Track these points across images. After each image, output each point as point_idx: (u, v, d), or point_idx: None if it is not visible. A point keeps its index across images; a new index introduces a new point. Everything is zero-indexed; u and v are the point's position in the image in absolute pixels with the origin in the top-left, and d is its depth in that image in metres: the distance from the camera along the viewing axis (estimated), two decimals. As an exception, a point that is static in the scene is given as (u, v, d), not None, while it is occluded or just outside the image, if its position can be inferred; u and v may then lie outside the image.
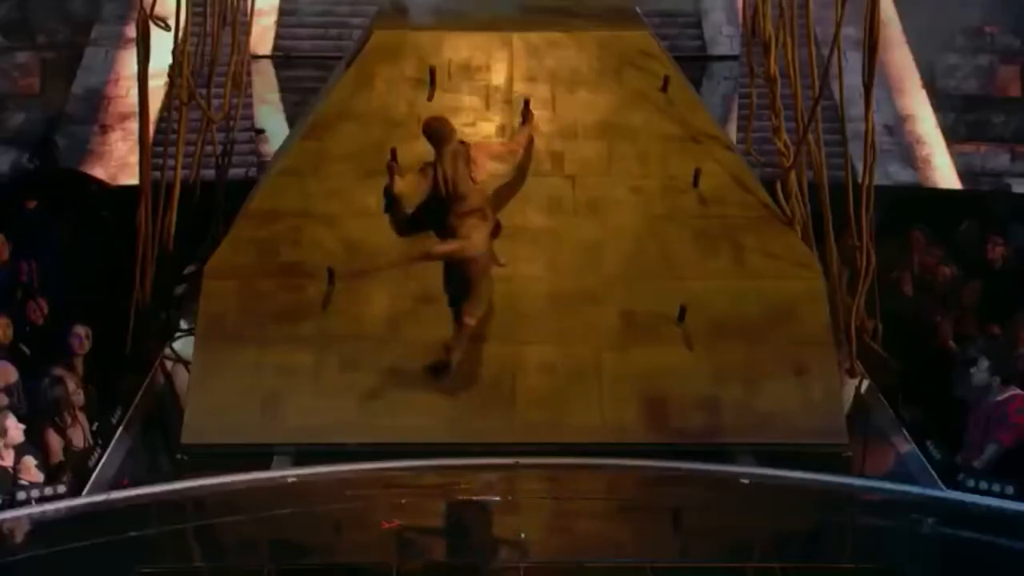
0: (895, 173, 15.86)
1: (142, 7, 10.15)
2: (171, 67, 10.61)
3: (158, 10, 10.28)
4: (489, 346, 9.36)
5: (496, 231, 9.20)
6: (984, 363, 8.78)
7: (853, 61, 10.15)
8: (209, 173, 12.10)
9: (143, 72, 10.27)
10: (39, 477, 8.28)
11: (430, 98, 10.45)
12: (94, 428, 9.03)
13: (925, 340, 10.18)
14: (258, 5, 13.52)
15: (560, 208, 9.94)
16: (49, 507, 8.09)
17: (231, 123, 12.49)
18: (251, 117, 15.32)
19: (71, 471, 8.47)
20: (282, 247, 9.75)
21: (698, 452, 8.95)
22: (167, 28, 10.35)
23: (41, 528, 7.99)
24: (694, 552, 8.10)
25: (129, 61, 15.58)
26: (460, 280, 9.11)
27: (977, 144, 17.18)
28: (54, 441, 8.63)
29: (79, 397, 8.91)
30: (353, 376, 9.28)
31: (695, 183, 9.94)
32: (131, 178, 12.52)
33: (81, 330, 9.53)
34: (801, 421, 9.22)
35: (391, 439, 9.03)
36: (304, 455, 8.94)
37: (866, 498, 8.78)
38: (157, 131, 11.94)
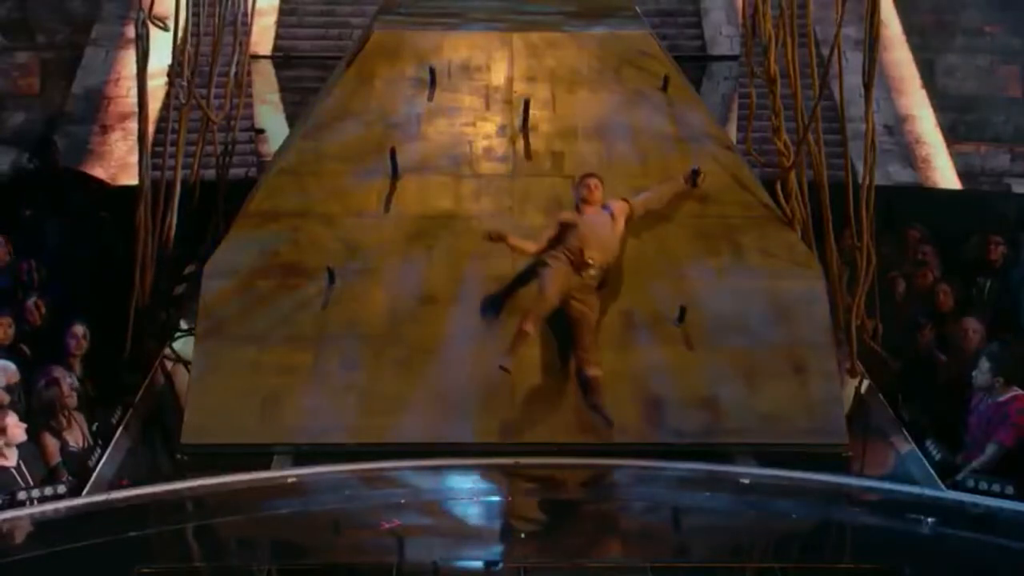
0: (895, 173, 15.85)
1: (140, 7, 10.15)
2: (170, 67, 10.62)
3: (158, 10, 10.28)
4: (489, 346, 9.34)
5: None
6: (986, 364, 8.77)
7: (853, 61, 10.18)
8: (209, 173, 12.11)
9: (142, 72, 10.27)
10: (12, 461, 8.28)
11: (430, 98, 10.47)
12: (94, 428, 9.03)
13: (913, 341, 10.20)
14: (258, 5, 13.54)
15: (560, 208, 9.92)
16: (49, 507, 8.09)
17: (231, 123, 12.50)
18: (251, 117, 15.32)
19: (69, 472, 8.47)
20: (281, 247, 9.75)
21: (698, 452, 8.95)
22: (166, 28, 10.35)
23: (41, 528, 7.99)
24: (694, 552, 8.09)
25: (129, 61, 15.58)
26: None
27: (977, 144, 17.17)
28: (50, 443, 8.62)
29: (73, 399, 8.90)
30: (353, 376, 9.27)
31: (695, 183, 9.94)
32: (131, 178, 12.50)
33: (79, 330, 9.52)
34: (801, 421, 9.21)
35: (391, 439, 9.02)
36: (304, 455, 8.94)
37: (866, 498, 8.77)
38: (157, 131, 11.95)
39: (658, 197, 9.76)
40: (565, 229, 9.22)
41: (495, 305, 9.38)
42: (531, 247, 9.24)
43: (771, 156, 10.83)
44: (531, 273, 9.34)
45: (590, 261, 9.15)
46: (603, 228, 9.28)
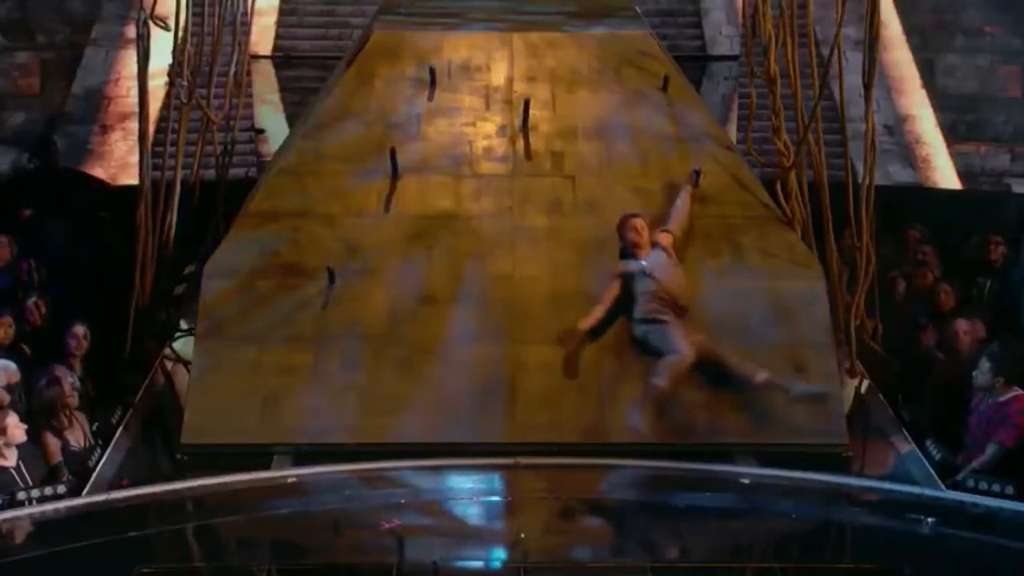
0: (895, 173, 15.85)
1: (142, 7, 10.15)
2: (171, 67, 10.62)
3: (158, 10, 10.28)
4: (489, 346, 9.36)
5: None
6: (986, 364, 8.77)
7: (853, 61, 10.18)
8: (209, 173, 12.11)
9: (143, 72, 10.27)
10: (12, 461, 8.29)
11: (430, 98, 10.48)
12: (94, 428, 9.03)
13: (913, 341, 10.20)
14: (258, 5, 13.54)
15: (560, 208, 9.95)
16: (49, 507, 8.09)
17: (231, 123, 12.50)
18: (251, 117, 15.32)
19: (70, 471, 8.48)
20: (281, 247, 9.75)
21: (698, 452, 8.95)
22: (167, 28, 10.35)
23: (41, 528, 7.99)
24: (694, 552, 8.10)
25: (129, 61, 15.58)
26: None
27: (977, 144, 17.17)
28: (51, 442, 8.63)
29: (75, 399, 8.90)
30: (353, 376, 9.27)
31: (695, 183, 9.94)
32: (131, 178, 12.51)
33: (79, 330, 9.52)
34: (801, 421, 9.21)
35: (391, 439, 9.02)
36: (304, 455, 8.94)
37: (866, 498, 8.78)
38: (157, 131, 11.95)
39: (686, 213, 9.70)
40: (630, 280, 9.20)
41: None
42: (600, 311, 9.22)
43: (771, 156, 10.83)
44: (607, 324, 9.31)
45: (684, 304, 9.20)
46: (671, 268, 9.28)
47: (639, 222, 9.33)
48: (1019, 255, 11.47)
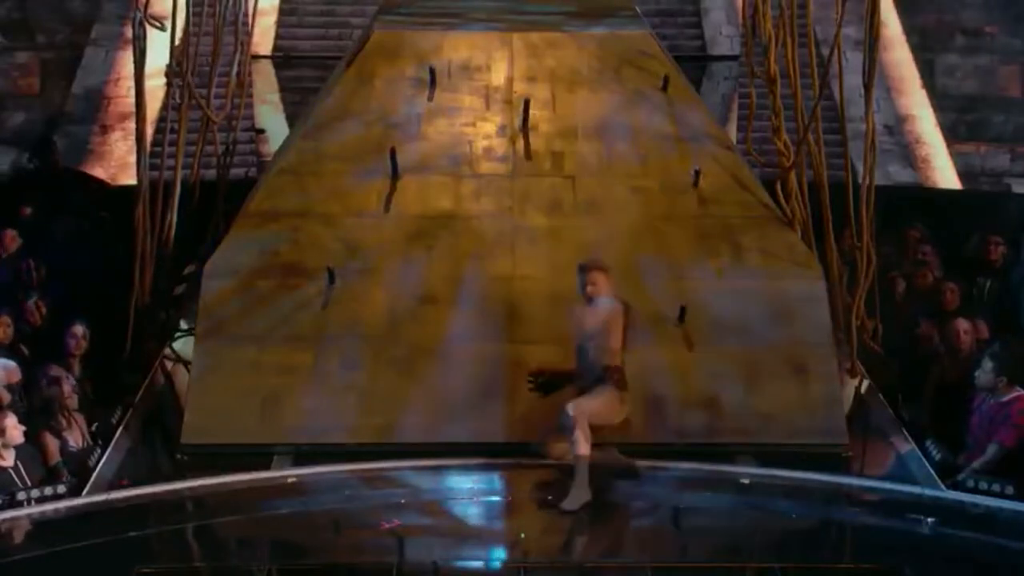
0: (895, 173, 15.85)
1: (137, 7, 10.15)
2: (167, 67, 10.61)
3: (158, 9, 10.28)
4: (489, 346, 9.36)
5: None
6: (988, 364, 8.76)
7: (853, 61, 10.20)
8: (209, 173, 12.11)
9: (139, 72, 10.25)
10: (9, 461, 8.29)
11: (430, 98, 10.48)
12: (94, 428, 9.03)
13: (913, 341, 10.20)
14: (259, 5, 13.53)
15: (560, 208, 9.95)
16: (49, 507, 8.09)
17: (232, 123, 12.49)
18: (251, 117, 15.32)
19: (70, 472, 8.47)
20: (281, 247, 9.75)
21: (698, 452, 8.95)
22: (162, 28, 10.34)
23: (41, 528, 7.99)
24: (694, 552, 8.10)
25: (129, 61, 15.44)
26: None
27: (977, 144, 17.17)
28: (50, 443, 8.63)
29: (74, 399, 8.90)
30: (353, 376, 9.28)
31: (695, 183, 9.94)
32: (131, 178, 12.48)
33: (79, 330, 9.53)
34: (801, 421, 9.21)
35: (391, 439, 9.03)
36: (304, 455, 8.93)
37: (866, 498, 8.78)
38: (157, 131, 11.95)
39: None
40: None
41: None
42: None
43: (771, 156, 10.83)
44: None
45: (609, 363, 8.45)
46: (609, 331, 8.45)
47: (598, 276, 8.45)
48: (1019, 255, 11.47)
